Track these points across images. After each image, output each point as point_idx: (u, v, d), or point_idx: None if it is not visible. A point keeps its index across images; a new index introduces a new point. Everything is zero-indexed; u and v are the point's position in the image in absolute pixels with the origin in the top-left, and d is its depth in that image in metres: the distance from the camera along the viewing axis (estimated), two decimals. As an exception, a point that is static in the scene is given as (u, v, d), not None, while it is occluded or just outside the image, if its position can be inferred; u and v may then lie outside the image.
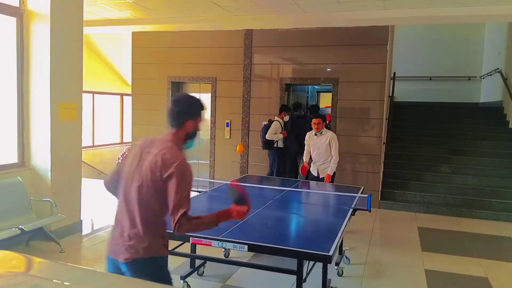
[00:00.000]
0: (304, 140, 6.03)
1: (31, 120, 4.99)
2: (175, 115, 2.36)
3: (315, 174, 5.89)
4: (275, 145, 7.50)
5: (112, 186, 2.43)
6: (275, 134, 7.31)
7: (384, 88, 7.43)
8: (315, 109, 8.54)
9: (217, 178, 7.78)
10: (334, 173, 5.81)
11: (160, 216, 2.27)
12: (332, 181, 5.79)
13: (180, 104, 2.39)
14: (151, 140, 2.36)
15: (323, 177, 5.79)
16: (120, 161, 2.38)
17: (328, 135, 5.79)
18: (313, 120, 5.80)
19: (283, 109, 7.56)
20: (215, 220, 2.33)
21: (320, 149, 5.80)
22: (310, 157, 5.99)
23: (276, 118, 7.44)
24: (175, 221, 2.13)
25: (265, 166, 7.93)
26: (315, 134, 5.84)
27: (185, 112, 2.35)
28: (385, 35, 7.27)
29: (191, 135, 2.38)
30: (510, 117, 8.79)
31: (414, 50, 10.84)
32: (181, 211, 2.14)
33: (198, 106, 2.40)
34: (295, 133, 7.56)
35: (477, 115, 9.67)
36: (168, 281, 2.31)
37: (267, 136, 7.27)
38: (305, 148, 6.01)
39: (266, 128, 7.38)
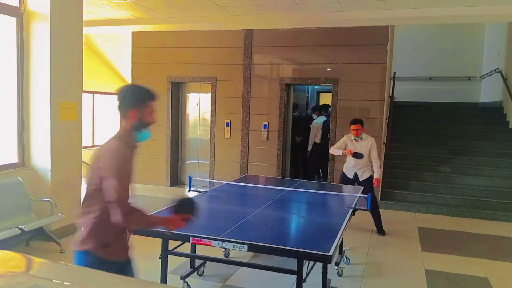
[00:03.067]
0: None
1: (31, 120, 4.99)
2: (118, 105, 2.30)
3: (351, 177, 5.77)
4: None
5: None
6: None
7: (384, 88, 7.43)
8: (321, 109, 8.62)
9: (217, 178, 7.78)
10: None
11: (100, 217, 2.20)
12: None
13: (122, 93, 2.31)
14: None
15: (363, 180, 5.68)
16: None
17: (368, 140, 5.67)
18: (352, 126, 5.60)
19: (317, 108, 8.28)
20: (157, 223, 2.36)
21: (360, 152, 5.66)
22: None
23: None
24: (118, 215, 2.12)
25: (265, 166, 7.94)
26: (354, 139, 5.68)
27: (128, 101, 2.28)
28: (385, 35, 7.26)
29: (138, 126, 2.27)
30: (510, 117, 8.79)
31: (414, 50, 10.84)
32: (119, 206, 2.11)
33: (142, 95, 2.31)
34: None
35: (477, 115, 9.67)
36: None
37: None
38: (337, 145, 5.81)
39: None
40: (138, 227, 2.27)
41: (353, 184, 5.70)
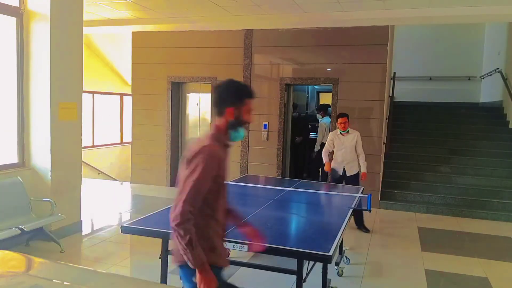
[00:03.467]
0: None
1: (31, 120, 4.99)
2: (215, 102, 2.13)
3: (341, 172, 5.90)
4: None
5: None
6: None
7: (384, 88, 7.43)
8: (325, 108, 8.63)
9: (217, 178, 7.77)
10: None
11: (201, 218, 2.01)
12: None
13: (220, 89, 2.15)
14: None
15: (351, 175, 5.84)
16: None
17: (354, 134, 5.84)
18: (339, 120, 5.78)
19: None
20: (196, 263, 1.94)
21: (346, 148, 5.82)
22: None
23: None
24: (172, 220, 1.91)
25: (265, 166, 7.94)
26: (341, 133, 5.82)
27: (225, 98, 2.11)
28: (385, 35, 7.26)
29: (234, 124, 2.11)
30: (510, 117, 8.79)
31: (414, 50, 10.84)
32: (174, 214, 1.90)
33: (242, 91, 2.14)
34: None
35: (477, 115, 9.67)
36: None
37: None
38: (326, 147, 5.99)
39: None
40: (180, 241, 1.91)
41: (341, 182, 5.84)
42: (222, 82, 2.19)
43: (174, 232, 1.92)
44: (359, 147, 5.85)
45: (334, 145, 5.93)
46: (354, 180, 5.83)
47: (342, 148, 5.86)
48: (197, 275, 1.96)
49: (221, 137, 2.12)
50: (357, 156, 5.89)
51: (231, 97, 2.11)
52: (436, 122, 9.21)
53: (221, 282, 2.05)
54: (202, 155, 1.97)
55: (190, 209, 1.91)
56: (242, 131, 2.15)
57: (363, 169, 5.84)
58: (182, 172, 2.02)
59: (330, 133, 6.04)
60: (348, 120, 5.82)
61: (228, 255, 2.17)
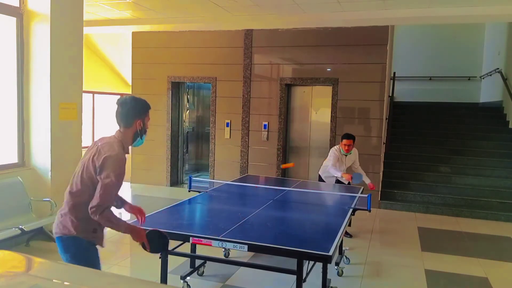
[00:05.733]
0: None
1: (31, 120, 4.99)
2: (123, 116, 2.55)
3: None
4: None
5: None
6: None
7: (384, 88, 7.43)
8: None
9: (217, 178, 7.78)
10: None
11: (89, 203, 2.42)
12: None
13: (127, 105, 2.56)
14: (104, 137, 2.60)
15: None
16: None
17: (355, 152, 5.82)
18: (344, 141, 5.59)
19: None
20: (124, 230, 2.53)
21: (347, 165, 5.79)
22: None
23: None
24: (92, 213, 2.37)
25: (265, 166, 7.94)
26: (343, 154, 5.71)
27: (134, 112, 2.56)
28: (385, 35, 7.26)
29: (140, 133, 2.61)
30: (510, 117, 8.79)
31: (414, 50, 10.84)
32: (100, 208, 2.37)
33: (146, 106, 2.61)
34: None
35: (477, 115, 9.67)
36: (95, 265, 2.51)
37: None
38: (333, 164, 5.60)
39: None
40: (108, 225, 2.48)
41: None
42: (126, 98, 2.60)
43: (100, 218, 2.40)
44: (357, 162, 5.86)
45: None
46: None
47: (342, 166, 5.71)
48: (131, 236, 2.56)
49: (127, 143, 2.59)
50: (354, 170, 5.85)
51: (139, 111, 2.57)
52: (436, 122, 9.21)
53: (95, 257, 2.54)
54: (117, 162, 2.42)
55: (106, 203, 2.41)
56: (144, 138, 2.66)
57: (368, 181, 5.65)
58: (88, 163, 2.45)
59: (332, 149, 5.76)
60: (354, 143, 5.65)
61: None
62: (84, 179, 2.46)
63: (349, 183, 5.59)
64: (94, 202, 2.38)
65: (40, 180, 4.99)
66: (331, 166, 5.58)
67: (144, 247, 2.61)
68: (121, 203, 2.84)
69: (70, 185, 2.53)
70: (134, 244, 2.57)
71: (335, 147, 5.83)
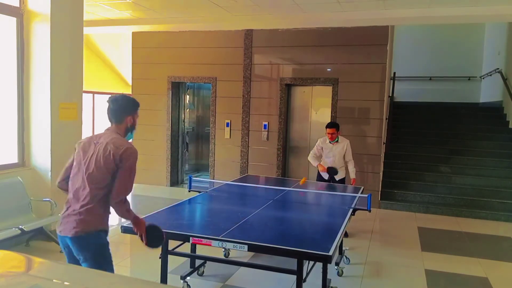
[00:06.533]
0: None
1: (31, 120, 4.99)
2: (115, 113, 2.71)
3: (326, 178, 5.82)
4: None
5: (65, 183, 2.81)
6: None
7: (384, 88, 7.43)
8: None
9: (217, 178, 7.78)
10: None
11: (109, 194, 2.58)
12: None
13: (118, 102, 2.72)
14: (96, 136, 2.72)
15: (338, 181, 5.77)
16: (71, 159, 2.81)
17: (344, 142, 5.78)
18: (327, 130, 5.67)
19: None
20: (132, 219, 2.72)
21: (335, 156, 5.76)
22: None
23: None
24: (118, 203, 2.55)
25: (265, 166, 7.94)
26: (330, 142, 5.75)
27: (125, 109, 2.73)
28: (385, 35, 7.26)
29: (131, 128, 2.80)
30: (510, 117, 8.79)
31: (414, 50, 10.84)
32: (121, 197, 2.56)
33: (135, 103, 2.81)
34: None
35: (477, 115, 9.67)
36: (111, 260, 2.71)
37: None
38: (313, 152, 5.85)
39: None
40: (125, 214, 2.65)
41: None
42: (117, 96, 2.76)
43: (124, 207, 2.60)
44: (348, 155, 5.79)
45: (322, 151, 5.82)
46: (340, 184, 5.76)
47: (330, 156, 5.76)
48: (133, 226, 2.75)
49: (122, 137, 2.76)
50: (346, 163, 5.84)
51: (130, 108, 2.76)
52: (436, 122, 9.21)
53: (105, 242, 2.68)
54: (135, 154, 2.66)
55: (129, 192, 2.65)
56: (134, 133, 2.87)
57: (353, 176, 5.75)
58: (110, 159, 2.57)
59: (320, 139, 5.88)
60: (338, 131, 5.71)
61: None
62: (104, 173, 2.56)
63: (331, 178, 5.76)
64: (122, 192, 2.55)
65: (40, 180, 4.99)
66: (311, 155, 5.87)
67: (142, 239, 2.74)
68: None
69: (87, 182, 2.59)
70: (134, 244, 2.59)
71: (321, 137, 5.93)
